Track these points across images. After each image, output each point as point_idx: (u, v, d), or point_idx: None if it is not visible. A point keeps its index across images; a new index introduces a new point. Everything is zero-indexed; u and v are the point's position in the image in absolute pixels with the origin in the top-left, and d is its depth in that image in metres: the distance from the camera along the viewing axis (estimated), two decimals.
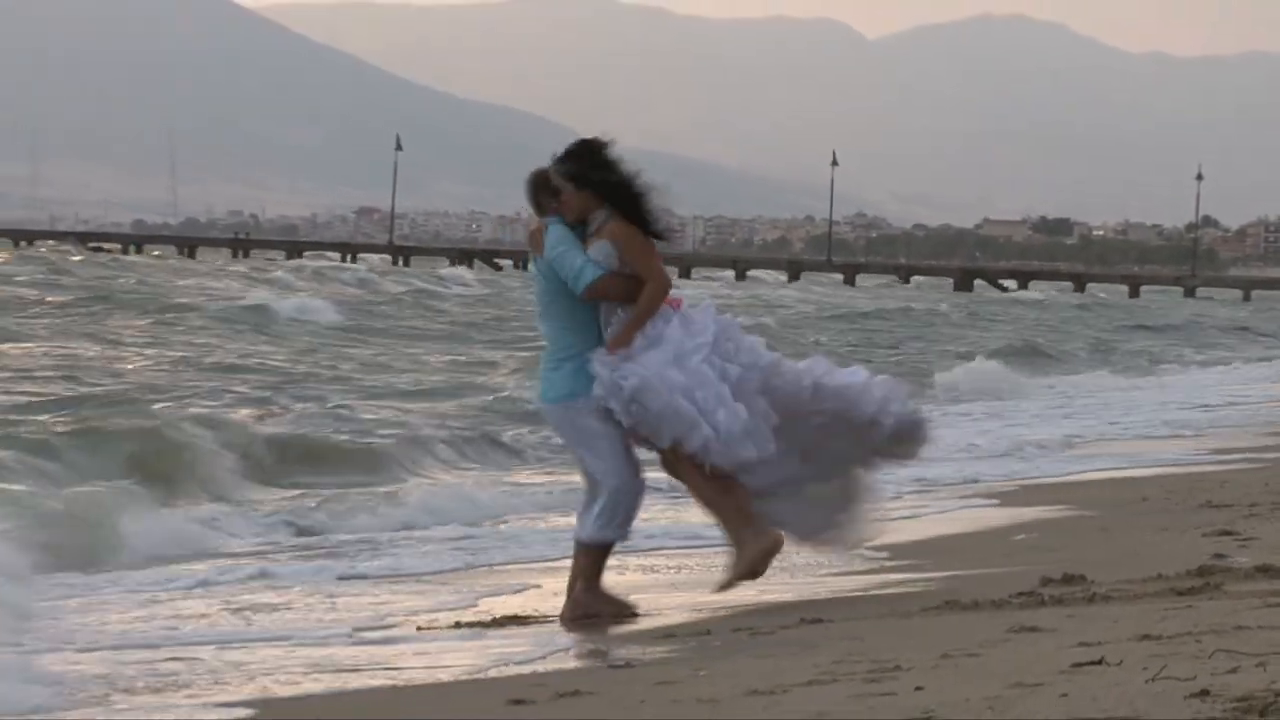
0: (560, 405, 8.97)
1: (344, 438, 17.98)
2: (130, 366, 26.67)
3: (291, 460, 16.55)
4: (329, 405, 21.04)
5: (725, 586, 9.07)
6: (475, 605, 9.66)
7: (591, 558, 9.03)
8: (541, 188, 9.07)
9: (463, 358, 32.92)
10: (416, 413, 20.48)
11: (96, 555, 11.42)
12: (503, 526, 13.39)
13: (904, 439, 9.25)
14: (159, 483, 14.13)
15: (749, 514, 8.96)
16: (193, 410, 18.97)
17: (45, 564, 10.72)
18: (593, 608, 8.91)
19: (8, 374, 24.03)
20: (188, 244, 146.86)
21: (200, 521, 12.96)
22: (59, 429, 16.71)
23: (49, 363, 26.48)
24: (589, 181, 8.95)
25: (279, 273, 77.26)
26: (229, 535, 12.72)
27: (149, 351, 30.18)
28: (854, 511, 9.39)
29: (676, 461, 8.92)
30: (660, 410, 8.75)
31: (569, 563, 9.21)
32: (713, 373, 8.82)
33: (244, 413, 19.42)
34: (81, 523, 11.98)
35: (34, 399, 20.60)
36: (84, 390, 22.05)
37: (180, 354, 29.78)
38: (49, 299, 44.93)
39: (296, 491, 15.16)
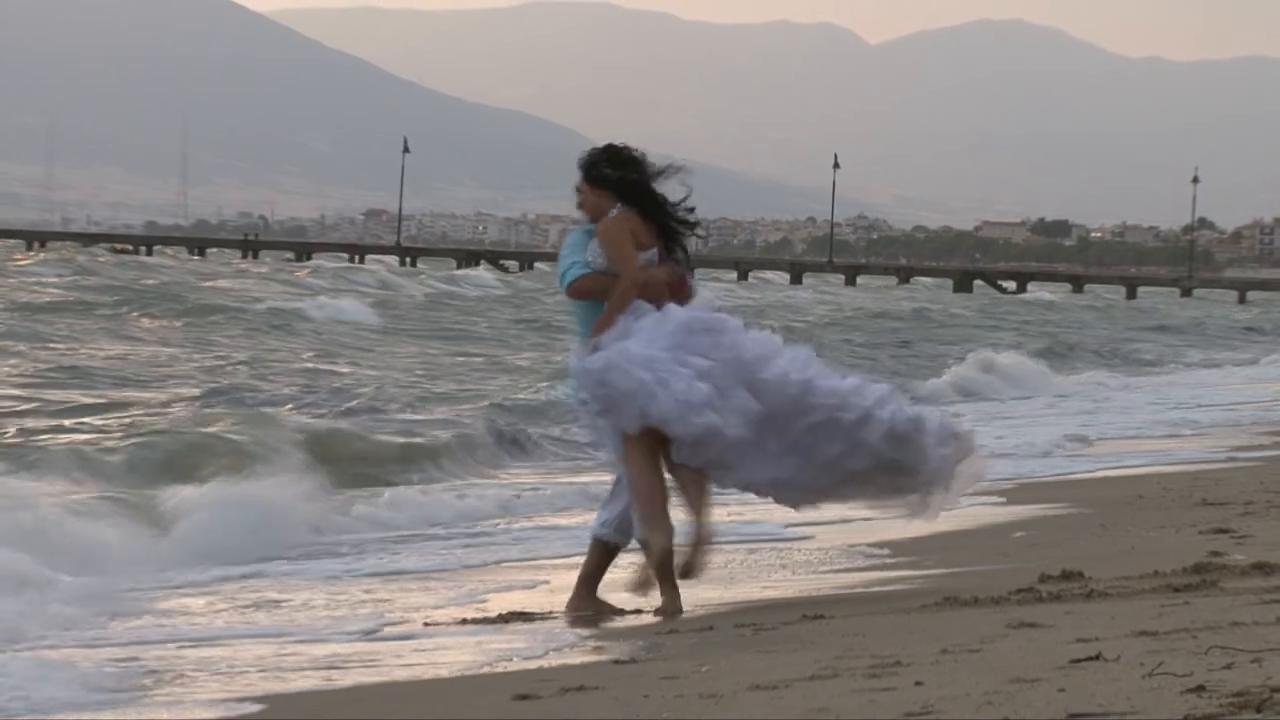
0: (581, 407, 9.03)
1: (384, 437, 18.06)
2: (183, 368, 26.85)
3: (334, 459, 16.58)
4: (370, 404, 21.19)
5: (642, 585, 8.99)
6: (482, 602, 9.68)
7: (599, 555, 9.08)
8: None
9: (479, 357, 33.15)
10: (449, 412, 20.59)
11: (150, 555, 11.43)
12: (513, 525, 13.41)
13: (903, 442, 9.05)
14: (212, 482, 14.17)
15: (697, 516, 8.88)
16: (244, 409, 19.12)
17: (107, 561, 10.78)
18: (587, 606, 8.98)
19: (66, 376, 24.26)
20: (198, 244, 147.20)
21: (249, 519, 12.91)
22: (116, 431, 16.85)
23: (101, 365, 26.66)
24: (600, 179, 9.06)
25: (304, 275, 77.20)
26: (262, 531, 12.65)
27: (202, 352, 30.48)
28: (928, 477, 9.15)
29: (626, 448, 8.87)
30: (629, 389, 8.72)
31: (578, 559, 9.23)
32: (671, 359, 8.81)
33: (291, 410, 19.57)
34: (140, 524, 12.03)
35: (91, 400, 20.78)
36: (140, 392, 22.23)
37: (229, 354, 30.01)
38: (88, 300, 44.89)
39: (337, 491, 15.19)
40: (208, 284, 62.04)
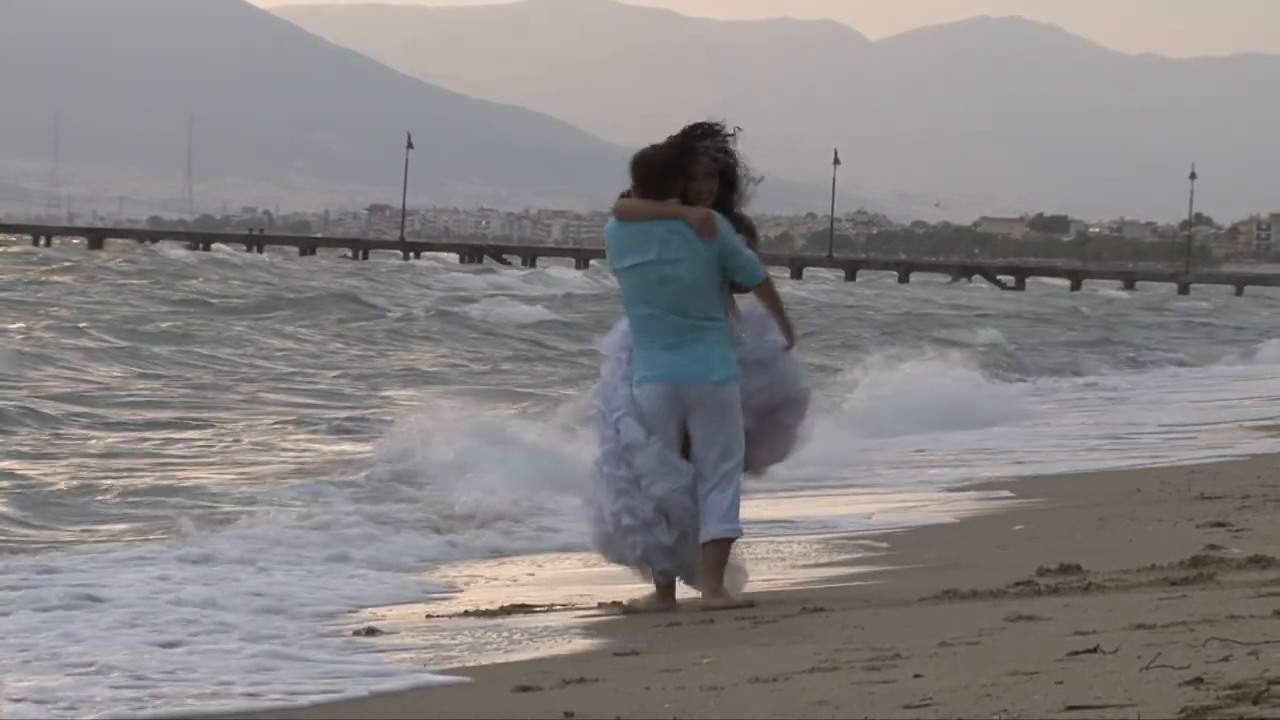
0: (733, 384, 8.81)
1: None
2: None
3: None
4: None
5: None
6: (485, 593, 9.71)
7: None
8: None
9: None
10: None
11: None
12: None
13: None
14: None
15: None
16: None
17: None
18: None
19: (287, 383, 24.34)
20: (203, 239, 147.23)
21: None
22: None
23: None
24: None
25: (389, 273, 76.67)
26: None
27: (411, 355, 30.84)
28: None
29: None
30: None
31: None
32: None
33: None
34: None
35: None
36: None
37: (442, 356, 30.41)
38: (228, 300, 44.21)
39: None
40: (309, 282, 60.95)
